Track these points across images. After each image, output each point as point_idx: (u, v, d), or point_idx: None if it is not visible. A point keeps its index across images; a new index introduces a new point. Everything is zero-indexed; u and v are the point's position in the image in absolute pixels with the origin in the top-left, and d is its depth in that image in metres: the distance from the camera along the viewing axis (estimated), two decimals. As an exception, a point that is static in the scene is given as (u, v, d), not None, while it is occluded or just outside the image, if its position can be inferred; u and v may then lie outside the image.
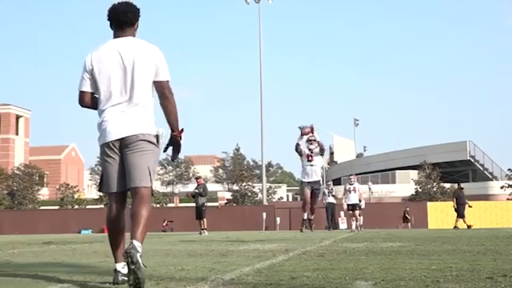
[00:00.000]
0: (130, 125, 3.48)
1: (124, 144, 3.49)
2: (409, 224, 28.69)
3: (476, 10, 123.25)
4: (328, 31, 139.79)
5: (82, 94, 3.64)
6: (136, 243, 3.21)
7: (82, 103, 3.67)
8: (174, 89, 3.64)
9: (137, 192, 3.46)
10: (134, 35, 3.69)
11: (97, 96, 3.64)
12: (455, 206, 21.63)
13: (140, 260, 3.12)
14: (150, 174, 3.48)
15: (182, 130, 3.67)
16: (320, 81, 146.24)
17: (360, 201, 18.64)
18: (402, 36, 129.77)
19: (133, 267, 3.10)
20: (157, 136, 3.55)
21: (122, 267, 3.46)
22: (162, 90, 3.59)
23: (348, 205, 18.52)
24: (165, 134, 3.58)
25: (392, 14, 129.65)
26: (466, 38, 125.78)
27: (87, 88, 3.62)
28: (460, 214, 21.35)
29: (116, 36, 3.65)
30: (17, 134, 68.15)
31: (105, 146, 3.54)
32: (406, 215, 29.07)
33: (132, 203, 3.46)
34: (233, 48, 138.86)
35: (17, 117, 68.25)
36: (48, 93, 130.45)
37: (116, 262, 3.55)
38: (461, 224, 21.15)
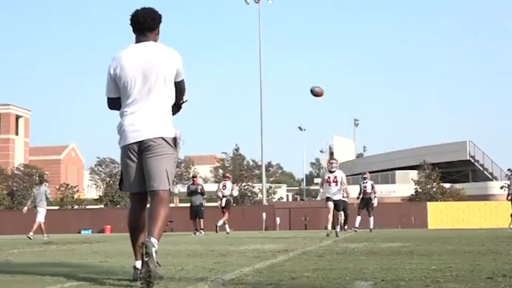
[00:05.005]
0: (149, 128, 3.64)
1: (143, 147, 3.65)
2: None
3: (476, 10, 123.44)
4: (328, 31, 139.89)
5: (109, 100, 3.88)
6: (153, 239, 3.37)
7: (110, 107, 3.91)
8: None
9: (156, 194, 3.64)
10: (155, 40, 3.88)
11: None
12: None
13: (154, 254, 3.24)
14: (168, 177, 3.66)
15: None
16: (320, 81, 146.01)
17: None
18: (402, 36, 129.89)
19: (146, 259, 3.22)
20: (175, 139, 3.70)
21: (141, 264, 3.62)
22: (181, 88, 3.88)
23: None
24: (183, 136, 3.74)
25: (392, 14, 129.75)
26: (466, 38, 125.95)
27: (113, 94, 3.82)
28: None
29: (138, 40, 3.84)
30: (17, 134, 68.09)
31: (125, 149, 3.72)
32: None
33: (151, 204, 3.66)
34: (233, 48, 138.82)
35: (17, 117, 68.17)
36: (48, 93, 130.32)
37: (136, 259, 3.71)
38: None
